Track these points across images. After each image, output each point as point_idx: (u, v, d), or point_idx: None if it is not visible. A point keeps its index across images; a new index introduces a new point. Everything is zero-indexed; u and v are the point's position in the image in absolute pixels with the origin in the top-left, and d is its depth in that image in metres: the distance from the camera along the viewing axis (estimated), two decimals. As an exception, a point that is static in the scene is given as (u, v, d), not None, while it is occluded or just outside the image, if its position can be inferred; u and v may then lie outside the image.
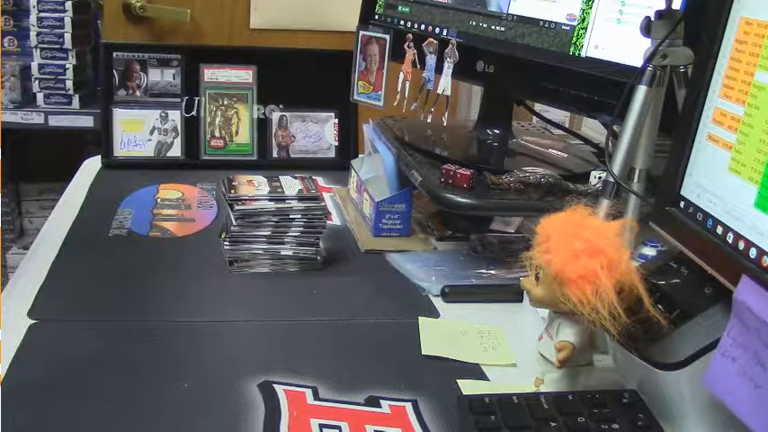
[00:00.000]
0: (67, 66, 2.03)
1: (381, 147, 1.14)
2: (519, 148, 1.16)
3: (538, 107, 1.30)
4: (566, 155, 1.16)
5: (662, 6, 0.80)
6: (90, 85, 2.13)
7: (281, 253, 0.98)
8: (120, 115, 1.35)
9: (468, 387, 0.74)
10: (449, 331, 0.86)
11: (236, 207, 0.96)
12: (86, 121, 2.05)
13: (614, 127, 0.86)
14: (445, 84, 1.05)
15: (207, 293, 0.92)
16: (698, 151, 0.66)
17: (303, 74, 1.40)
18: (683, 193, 0.67)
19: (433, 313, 0.90)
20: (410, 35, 1.10)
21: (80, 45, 2.06)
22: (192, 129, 1.37)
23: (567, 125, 1.44)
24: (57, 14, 2.00)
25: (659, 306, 0.66)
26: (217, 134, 1.38)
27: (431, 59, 1.07)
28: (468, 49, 1.08)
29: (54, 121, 2.05)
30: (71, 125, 2.06)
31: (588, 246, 0.66)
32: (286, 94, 1.39)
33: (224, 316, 0.87)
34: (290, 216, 0.97)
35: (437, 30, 1.14)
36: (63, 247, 1.02)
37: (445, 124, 1.06)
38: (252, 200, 0.97)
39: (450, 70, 1.05)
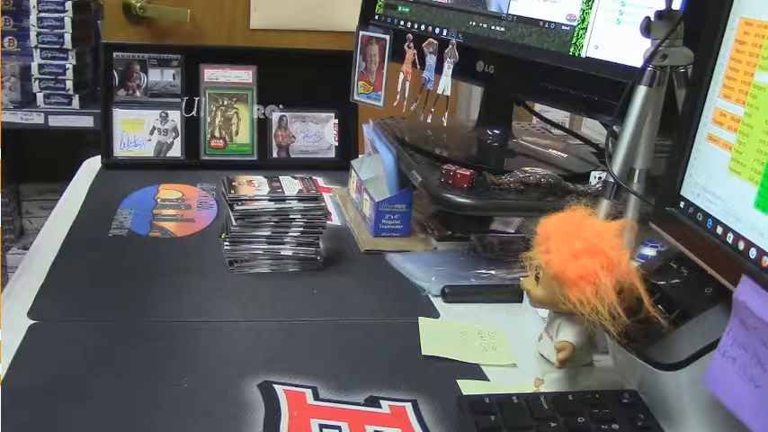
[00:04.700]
0: (67, 66, 2.03)
1: (381, 147, 1.14)
2: (519, 149, 1.16)
3: (538, 107, 1.30)
4: (566, 155, 1.16)
5: (662, 6, 0.80)
6: (90, 85, 2.13)
7: (281, 253, 0.98)
8: (120, 115, 1.35)
9: (468, 387, 0.74)
10: (449, 331, 0.86)
11: (236, 207, 0.96)
12: (86, 121, 2.05)
13: (614, 127, 0.86)
14: (445, 84, 1.05)
15: (207, 293, 0.92)
16: (698, 151, 0.66)
17: (303, 74, 1.40)
18: (683, 193, 0.67)
19: (433, 313, 0.90)
20: (410, 35, 1.10)
21: (80, 45, 2.06)
22: (192, 129, 1.37)
23: (567, 125, 1.44)
24: (57, 14, 2.00)
25: (659, 306, 0.66)
26: (217, 134, 1.38)
27: (431, 59, 1.07)
28: (468, 49, 1.07)
29: (54, 121, 2.05)
30: (71, 125, 2.06)
31: (588, 246, 0.66)
32: (286, 94, 1.39)
33: (224, 316, 0.87)
34: (290, 216, 0.97)
35: (437, 30, 1.14)
36: (63, 247, 1.02)
37: (445, 124, 1.06)
38: (252, 200, 0.97)
39: (450, 70, 1.05)
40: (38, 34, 2.01)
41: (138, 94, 1.36)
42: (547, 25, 1.00)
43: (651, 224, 0.71)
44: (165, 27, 1.96)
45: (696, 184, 0.66)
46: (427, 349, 0.81)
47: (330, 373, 0.75)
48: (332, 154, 1.42)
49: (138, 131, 1.36)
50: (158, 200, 1.21)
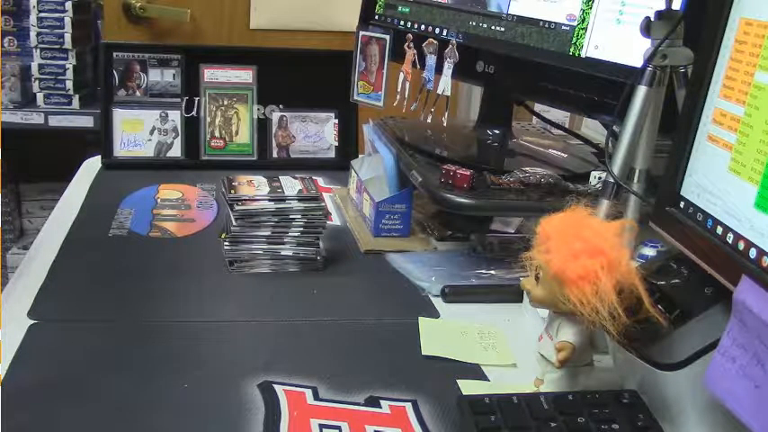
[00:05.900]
0: (67, 66, 2.03)
1: (381, 147, 1.14)
2: (519, 149, 1.16)
3: (538, 107, 1.30)
4: (566, 155, 1.16)
5: (662, 6, 0.80)
6: (90, 85, 2.13)
7: (281, 253, 0.98)
8: (120, 115, 1.35)
9: (468, 387, 0.74)
10: (449, 331, 0.86)
11: (236, 207, 0.96)
12: (86, 121, 2.05)
13: (614, 127, 0.86)
14: (445, 84, 1.05)
15: (207, 293, 0.92)
16: (698, 151, 0.66)
17: (303, 74, 1.40)
18: (683, 193, 0.67)
19: (433, 313, 0.90)
20: (410, 35, 1.10)
21: (80, 45, 2.06)
22: (192, 129, 1.37)
23: (567, 125, 1.44)
24: (57, 14, 2.00)
25: (659, 306, 0.66)
26: (217, 134, 1.38)
27: (431, 60, 1.07)
28: (468, 49, 1.07)
29: (54, 121, 2.05)
30: (71, 125, 2.06)
31: (588, 246, 0.66)
32: (286, 94, 1.39)
33: (224, 316, 0.87)
34: (290, 216, 0.97)
35: (437, 30, 1.14)
36: (63, 247, 1.02)
37: (445, 124, 1.06)
38: (252, 200, 0.97)
39: (450, 70, 1.05)
40: (38, 34, 2.01)
41: (138, 94, 1.36)
42: (547, 25, 1.00)
43: (651, 224, 0.71)
44: (165, 27, 1.96)
45: (696, 184, 0.66)
46: (427, 349, 0.81)
47: (330, 373, 0.75)
48: (332, 154, 1.42)
49: (138, 131, 1.36)
50: (158, 200, 1.21)
